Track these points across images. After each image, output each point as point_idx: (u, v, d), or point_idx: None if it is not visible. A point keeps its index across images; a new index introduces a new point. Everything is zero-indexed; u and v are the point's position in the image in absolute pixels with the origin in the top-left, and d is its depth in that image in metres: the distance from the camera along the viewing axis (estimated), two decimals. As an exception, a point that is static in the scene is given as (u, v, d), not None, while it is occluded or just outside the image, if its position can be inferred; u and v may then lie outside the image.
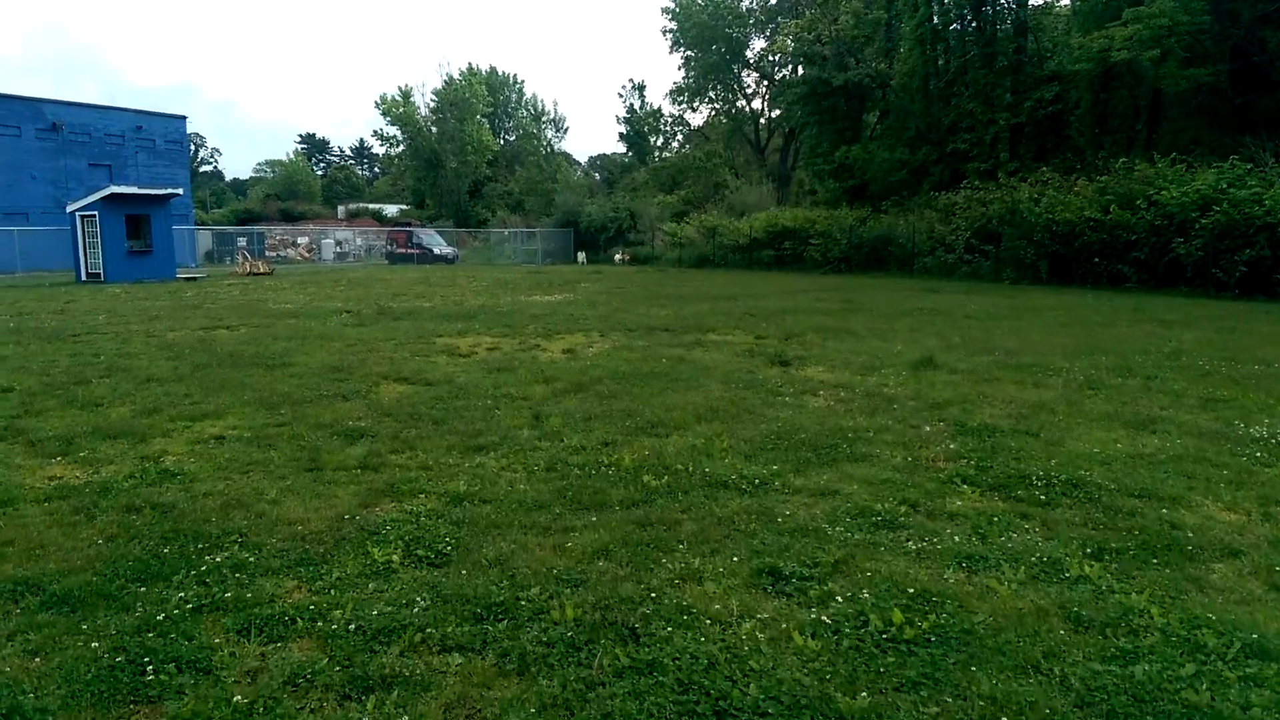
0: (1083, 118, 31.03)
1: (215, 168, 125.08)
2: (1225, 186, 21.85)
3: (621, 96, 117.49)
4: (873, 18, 37.66)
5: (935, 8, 35.18)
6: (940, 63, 36.08)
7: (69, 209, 32.03)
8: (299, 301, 21.37)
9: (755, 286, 26.28)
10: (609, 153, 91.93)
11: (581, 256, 50.13)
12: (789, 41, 42.26)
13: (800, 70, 61.17)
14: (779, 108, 65.79)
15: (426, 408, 8.65)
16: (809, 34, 38.57)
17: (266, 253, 58.68)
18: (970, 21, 35.14)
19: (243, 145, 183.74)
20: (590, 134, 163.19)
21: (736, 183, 51.39)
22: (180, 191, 34.25)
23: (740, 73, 66.15)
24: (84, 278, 31.43)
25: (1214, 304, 20.04)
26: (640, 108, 73.26)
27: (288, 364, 11.27)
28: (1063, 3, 36.58)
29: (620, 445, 7.08)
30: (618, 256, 45.98)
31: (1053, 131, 33.07)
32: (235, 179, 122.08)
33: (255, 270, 36.50)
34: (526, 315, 17.65)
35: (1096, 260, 24.55)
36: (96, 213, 31.00)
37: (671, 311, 18.34)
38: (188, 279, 32.59)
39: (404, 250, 51.47)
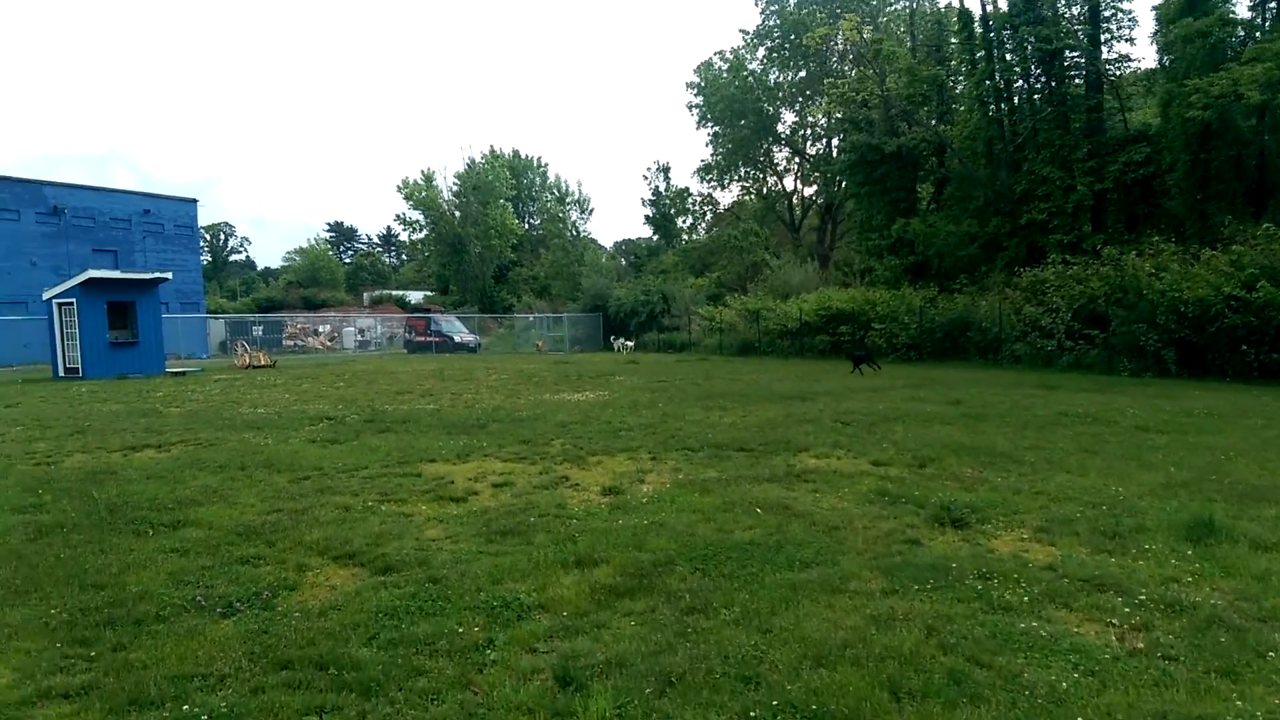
0: (1180, 181, 27.06)
1: (246, 256, 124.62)
2: None
3: (646, 179, 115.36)
4: (929, 74, 34.26)
5: (998, 64, 31.71)
6: (1006, 124, 32.45)
7: (45, 296, 28.83)
8: (280, 404, 17.62)
9: (822, 380, 22.25)
10: (634, 237, 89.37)
11: (620, 343, 46.14)
12: (833, 105, 38.88)
13: (836, 142, 58.88)
14: (814, 183, 62.93)
15: (361, 641, 4.70)
16: (855, 95, 35.12)
17: (285, 341, 55.84)
18: (1039, 77, 31.62)
19: (276, 235, 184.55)
20: (615, 220, 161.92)
21: (777, 262, 47.76)
22: (169, 276, 30.99)
23: (770, 148, 63.42)
24: (61, 373, 28.04)
25: None
26: (666, 189, 70.60)
27: (186, 522, 7.37)
28: (1138, 65, 33.03)
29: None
30: (623, 345, 41.86)
31: (1143, 199, 29.16)
32: (266, 268, 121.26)
33: (255, 363, 33.07)
34: (551, 423, 13.71)
35: (1244, 348, 20.29)
36: (74, 300, 27.76)
37: (736, 417, 14.33)
38: (178, 373, 29.12)
39: (423, 338, 48.15)
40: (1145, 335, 22.18)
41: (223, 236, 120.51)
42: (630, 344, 45.59)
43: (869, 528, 7.06)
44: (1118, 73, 30.63)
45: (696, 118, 63.16)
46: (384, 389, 21.10)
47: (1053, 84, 31.08)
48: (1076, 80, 30.78)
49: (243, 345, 38.40)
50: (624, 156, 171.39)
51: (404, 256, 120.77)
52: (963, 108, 36.11)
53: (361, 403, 17.54)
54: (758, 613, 5.09)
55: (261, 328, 55.84)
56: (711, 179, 65.23)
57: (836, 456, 10.50)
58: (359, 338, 61.26)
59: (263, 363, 33.06)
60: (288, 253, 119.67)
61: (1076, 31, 29.25)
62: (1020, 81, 32.49)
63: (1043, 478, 8.98)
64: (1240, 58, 25.51)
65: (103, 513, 7.63)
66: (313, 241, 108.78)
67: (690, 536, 6.76)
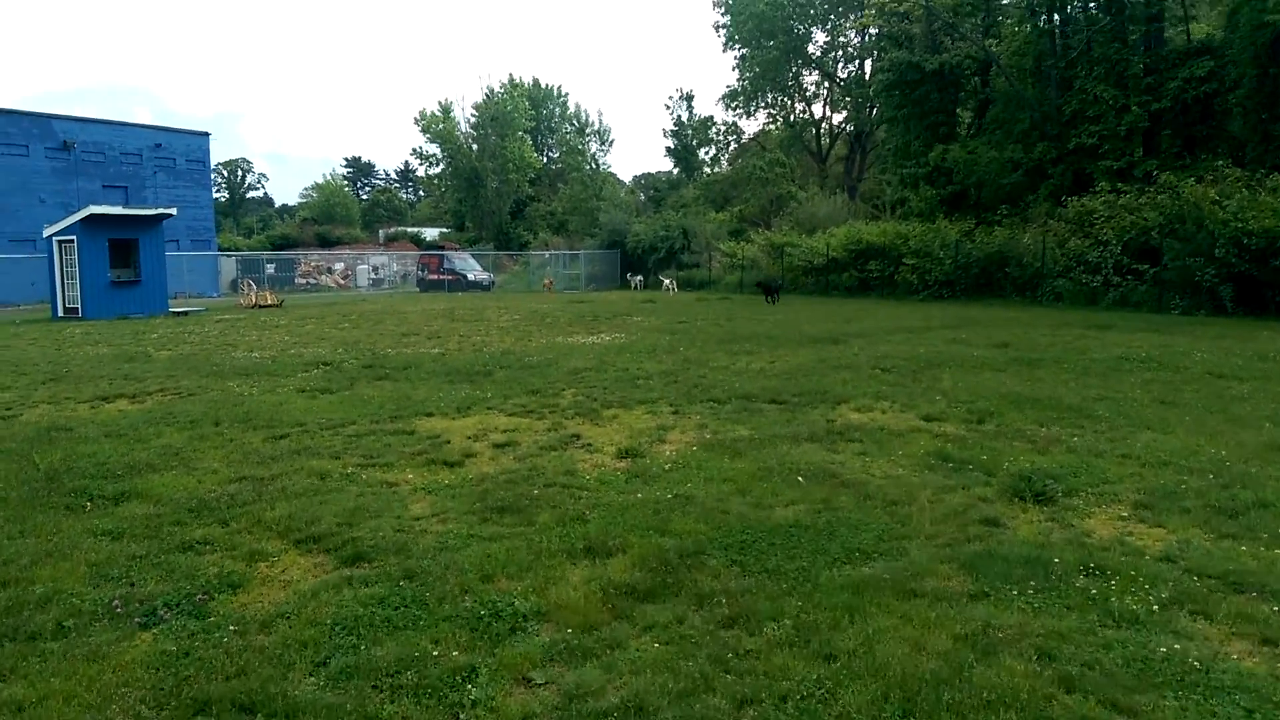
0: (1245, 100, 25.01)
1: (264, 193, 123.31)
2: None
3: (669, 108, 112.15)
4: (978, -18, 31.85)
5: (1052, -32, 29.28)
6: (1058, 37, 30.12)
7: (45, 233, 27.79)
8: (277, 347, 16.59)
9: (855, 320, 20.97)
10: (653, 171, 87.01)
11: (637, 280, 44.64)
12: (872, 18, 36.37)
13: (870, 64, 56.21)
14: (844, 109, 60.52)
15: (306, 669, 3.64)
16: (898, 6, 32.72)
17: (297, 280, 54.85)
18: (1095, -17, 29.21)
19: (295, 171, 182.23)
20: (634, 153, 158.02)
21: (804, 194, 45.92)
22: (173, 211, 29.87)
23: (799, 72, 60.76)
24: (60, 313, 27.12)
25: None
26: (689, 119, 68.16)
27: (132, 494, 6.33)
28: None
29: None
30: (665, 283, 39.65)
31: (1202, 120, 27.13)
32: (284, 205, 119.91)
33: (261, 302, 32.05)
34: (564, 370, 12.60)
35: (1314, 284, 18.81)
36: (75, 237, 26.71)
37: (765, 363, 13.15)
38: (180, 313, 28.16)
39: (436, 276, 46.91)
40: (1201, 270, 20.61)
41: (240, 173, 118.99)
42: (638, 281, 44.24)
43: (935, 502, 5.92)
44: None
45: (724, 39, 60.30)
46: (390, 330, 20.02)
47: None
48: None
49: (248, 284, 37.34)
50: (646, 84, 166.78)
51: (421, 193, 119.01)
52: (1011, 20, 33.57)
53: (363, 346, 16.48)
54: (815, 627, 3.98)
55: (274, 266, 54.76)
56: (737, 105, 62.69)
57: (881, 410, 9.34)
58: (373, 276, 60.15)
59: (269, 302, 32.05)
60: (304, 189, 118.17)
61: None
62: (1076, -12, 30.11)
63: (1124, 437, 7.79)
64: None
65: (38, 481, 6.60)
66: (329, 177, 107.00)
67: (723, 515, 5.64)
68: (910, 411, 9.18)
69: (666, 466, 6.92)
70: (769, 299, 28.63)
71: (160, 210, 29.32)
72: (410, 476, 6.80)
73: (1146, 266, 22.75)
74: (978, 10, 33.52)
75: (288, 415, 9.27)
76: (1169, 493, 5.96)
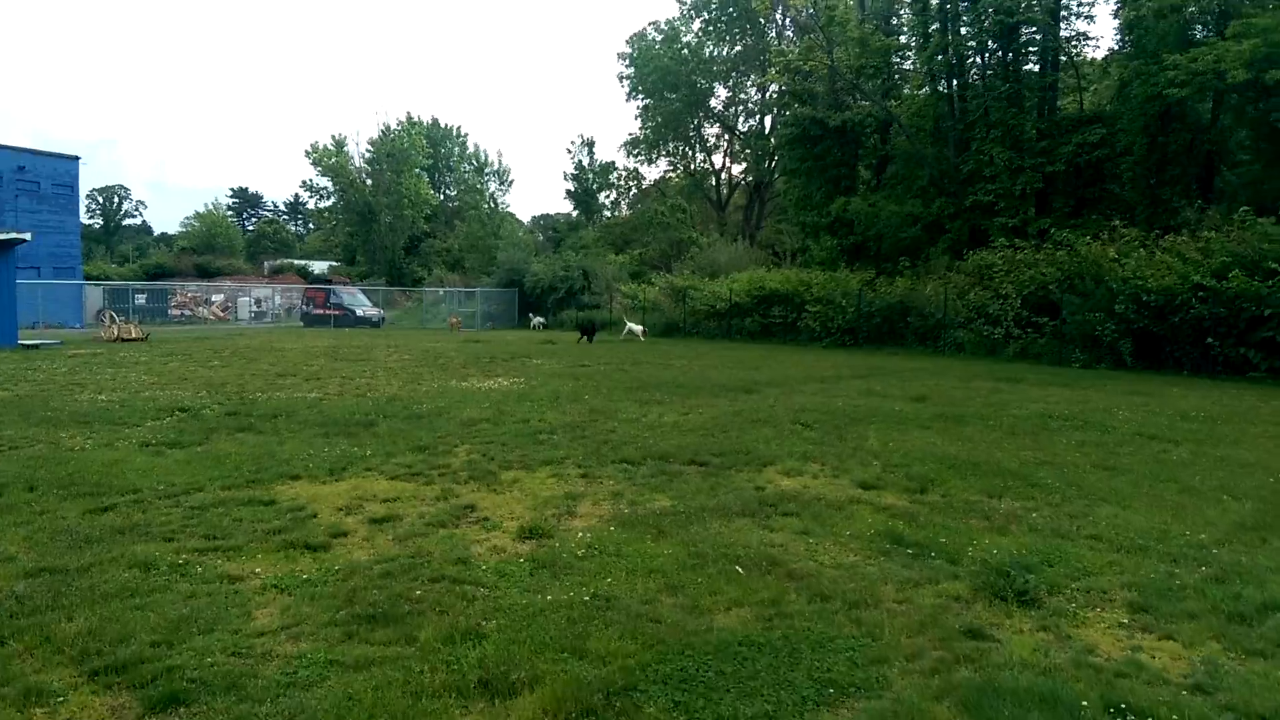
0: (1135, 165, 25.88)
1: (142, 221, 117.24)
2: None
3: (570, 152, 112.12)
4: (880, 46, 32.40)
5: (951, 38, 30.00)
6: (956, 101, 30.86)
7: (-128, 258, 24.85)
8: (131, 389, 14.72)
9: (763, 367, 20.28)
10: (553, 212, 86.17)
11: (537, 321, 43.24)
12: (778, 75, 36.62)
13: (769, 119, 57.08)
14: (744, 160, 61.15)
15: None
16: (802, 65, 32.98)
17: (171, 311, 51.57)
18: (995, 52, 30.06)
19: (176, 200, 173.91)
20: (534, 194, 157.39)
21: (706, 239, 45.72)
22: (28, 236, 27.21)
23: (701, 124, 61.37)
24: (-113, 346, 24.16)
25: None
26: (590, 163, 67.92)
27: (-119, 595, 4.80)
28: (1096, 43, 31.89)
29: None
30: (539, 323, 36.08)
31: (1093, 182, 27.97)
32: (163, 233, 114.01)
33: (125, 335, 29.46)
34: (457, 421, 11.32)
35: (1210, 340, 18.99)
36: (-94, 263, 23.94)
37: (678, 415, 12.17)
38: (30, 346, 25.49)
39: (322, 311, 44.61)
40: (1102, 325, 20.78)
41: (117, 199, 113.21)
42: (543, 321, 42.96)
43: (903, 603, 4.97)
44: (1076, 51, 29.27)
45: (627, 89, 60.65)
46: (264, 370, 18.27)
47: (1009, 60, 29.56)
48: (1032, 58, 29.36)
49: (110, 315, 34.49)
50: (547, 129, 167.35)
51: (310, 225, 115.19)
52: (911, 84, 34.40)
53: (231, 388, 14.78)
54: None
55: (145, 296, 51.38)
56: (639, 153, 62.88)
57: (811, 474, 8.44)
58: (255, 309, 57.13)
59: (133, 335, 29.49)
60: (186, 218, 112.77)
61: (1035, 5, 27.67)
62: (974, 58, 30.94)
63: (1083, 512, 7.05)
64: (1196, 38, 24.47)
65: None
66: (211, 207, 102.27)
67: (653, 625, 4.54)
68: (844, 477, 8.31)
69: (579, 553, 5.77)
70: (586, 339, 29.80)
71: (10, 235, 26.63)
72: (260, 568, 5.46)
73: (1046, 320, 22.92)
74: (880, 73, 34.14)
75: (121, 478, 7.73)
76: (1163, 590, 5.15)
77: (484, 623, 4.55)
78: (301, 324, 45.77)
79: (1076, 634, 4.57)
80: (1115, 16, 27.99)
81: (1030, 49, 29.30)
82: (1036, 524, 6.65)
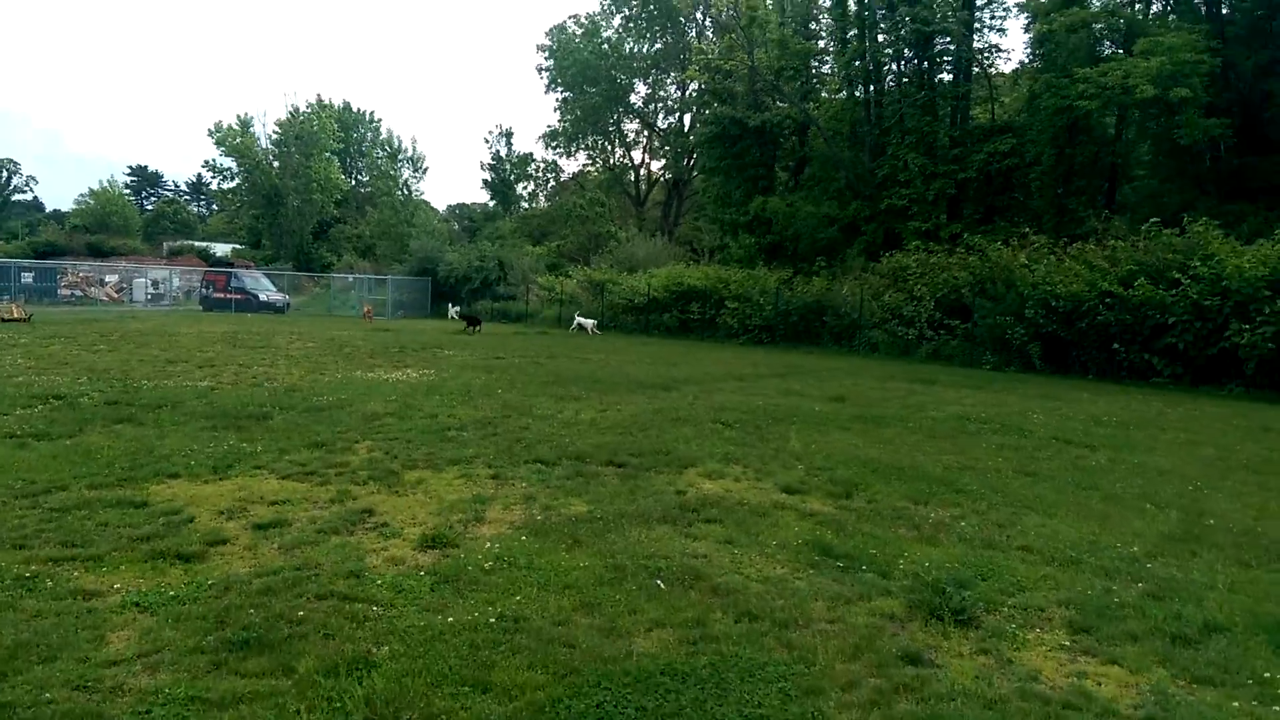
0: (1043, 175, 26.56)
1: (34, 197, 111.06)
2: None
3: (488, 142, 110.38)
4: (800, 49, 32.53)
5: (869, 45, 30.29)
6: (873, 107, 31.21)
7: None
8: (4, 372, 13.53)
9: (681, 364, 19.99)
10: (469, 202, 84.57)
11: (455, 311, 41.83)
12: (698, 73, 36.39)
13: (689, 117, 57.00)
14: (663, 157, 60.98)
15: None
16: (723, 64, 32.87)
17: (61, 291, 48.71)
18: (910, 60, 30.49)
19: (72, 176, 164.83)
20: (450, 183, 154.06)
21: (626, 234, 45.32)
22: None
23: (620, 119, 60.95)
24: None
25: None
26: (508, 154, 66.90)
27: None
28: (1008, 55, 32.74)
29: None
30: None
31: (1003, 190, 28.59)
32: (56, 210, 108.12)
33: (5, 315, 27.49)
34: (359, 415, 10.64)
35: (1116, 346, 19.44)
36: None
37: (595, 412, 11.72)
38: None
39: (222, 295, 42.67)
40: (1012, 328, 21.15)
41: (5, 173, 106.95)
42: (457, 309, 41.82)
43: (835, 622, 4.64)
44: (989, 62, 29.90)
45: (546, 81, 59.78)
46: (153, 356, 17.12)
47: (924, 69, 30.01)
48: (947, 67, 29.88)
49: (-11, 296, 32.28)
50: (464, 118, 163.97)
51: (215, 207, 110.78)
52: (829, 88, 34.72)
53: (115, 374, 13.72)
54: None
55: (32, 275, 48.41)
56: (558, 145, 62.07)
57: (734, 477, 8.11)
58: (151, 291, 54.36)
59: (14, 316, 27.55)
60: (80, 195, 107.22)
61: (950, 17, 28.12)
62: (890, 65, 31.32)
63: (1010, 521, 6.88)
64: (1104, 54, 25.17)
65: None
66: (106, 184, 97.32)
67: (567, 650, 4.09)
68: (767, 480, 7.99)
69: (486, 565, 5.28)
70: (471, 329, 29.85)
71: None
72: (121, 582, 4.81)
73: (958, 323, 23.27)
74: (799, 75, 34.32)
75: (-31, 477, 6.90)
76: (1101, 609, 4.93)
77: (375, 649, 4.03)
78: (200, 308, 43.71)
79: (1018, 658, 4.30)
80: (1026, 30, 28.80)
81: (945, 59, 29.91)
82: (965, 533, 6.43)
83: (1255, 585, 5.39)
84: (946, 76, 30.46)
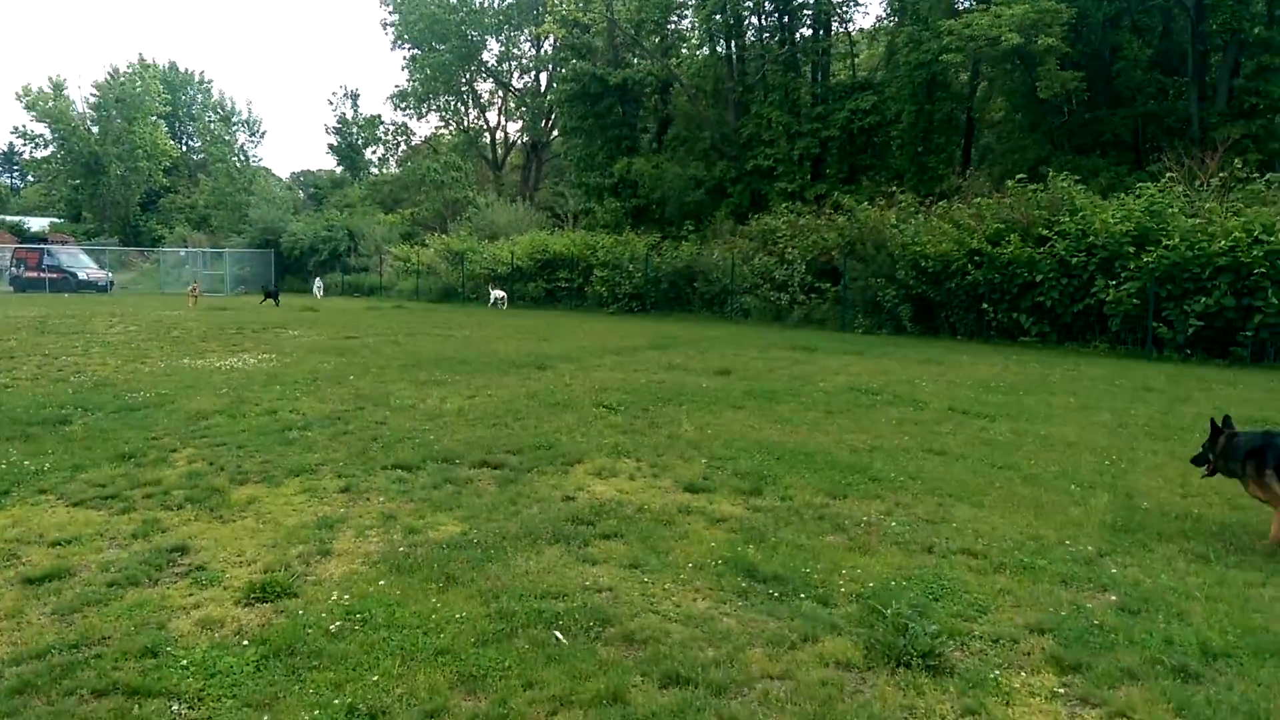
0: (905, 133, 26.59)
1: None
2: (1166, 214, 17.40)
3: (332, 104, 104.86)
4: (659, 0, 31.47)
5: (727, -2, 29.56)
6: (735, 64, 30.59)
7: None
8: None
9: (553, 337, 18.87)
10: (314, 169, 79.85)
11: (318, 285, 39.23)
12: (554, 26, 34.65)
13: (545, 77, 55.17)
14: (520, 119, 58.94)
15: None
16: (581, 16, 31.35)
17: None
18: (771, 14, 29.95)
19: None
20: (292, 148, 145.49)
21: (485, 199, 43.44)
22: None
23: (473, 79, 58.39)
24: None
25: (1190, 368, 15.57)
26: (354, 117, 63.38)
27: None
28: (865, 8, 32.68)
29: None
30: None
31: (865, 149, 28.57)
32: None
33: None
34: (182, 415, 9.06)
35: (985, 306, 19.44)
36: None
37: (463, 400, 10.48)
38: None
39: (36, 274, 38.60)
40: (882, 291, 20.97)
41: None
42: (320, 285, 39.22)
43: (781, 678, 3.70)
44: (848, 16, 29.76)
45: (392, 36, 56.34)
46: (-63, 349, 14.71)
47: (784, 22, 29.53)
48: (807, 21, 29.49)
49: None
50: (306, 78, 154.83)
51: (30, 178, 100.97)
52: (690, 44, 33.91)
53: (-123, 375, 11.51)
54: None
55: None
56: (407, 107, 58.91)
57: (627, 474, 7.12)
58: (-46, 270, 48.89)
59: None
60: None
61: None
62: (750, 18, 30.70)
63: (938, 515, 6.16)
64: (962, 8, 25.24)
65: None
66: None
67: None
68: (665, 476, 7.04)
69: (333, 626, 4.08)
70: (272, 301, 30.25)
71: None
72: None
73: (829, 285, 23.02)
74: (660, 29, 33.30)
75: None
76: (1081, 636, 4.16)
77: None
78: (10, 289, 39.37)
79: (1002, 714, 3.47)
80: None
81: (805, 11, 29.44)
82: (898, 535, 5.63)
83: (1230, 590, 4.78)
84: (807, 31, 30.10)
